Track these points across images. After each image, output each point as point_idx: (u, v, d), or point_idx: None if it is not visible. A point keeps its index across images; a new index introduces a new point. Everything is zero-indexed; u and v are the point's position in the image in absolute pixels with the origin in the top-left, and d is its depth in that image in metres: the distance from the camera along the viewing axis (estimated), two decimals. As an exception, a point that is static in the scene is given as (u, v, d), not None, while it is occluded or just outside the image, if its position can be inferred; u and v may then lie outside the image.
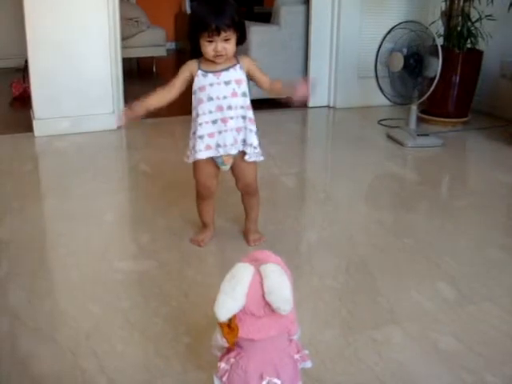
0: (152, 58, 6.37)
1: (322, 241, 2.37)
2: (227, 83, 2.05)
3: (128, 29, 5.78)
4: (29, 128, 3.76)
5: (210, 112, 2.07)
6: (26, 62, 3.76)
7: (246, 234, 2.33)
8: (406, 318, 1.83)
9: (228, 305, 1.24)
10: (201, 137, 2.08)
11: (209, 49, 2.00)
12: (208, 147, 2.09)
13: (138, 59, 6.61)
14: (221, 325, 1.27)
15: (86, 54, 3.75)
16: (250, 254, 1.35)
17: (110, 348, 1.66)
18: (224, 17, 1.97)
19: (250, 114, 2.12)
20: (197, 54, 2.07)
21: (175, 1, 7.31)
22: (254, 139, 2.13)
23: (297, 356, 1.36)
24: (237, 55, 2.08)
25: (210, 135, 2.09)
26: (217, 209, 2.36)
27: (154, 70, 6.48)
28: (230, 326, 1.26)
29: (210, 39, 1.97)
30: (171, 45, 7.11)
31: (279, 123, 4.26)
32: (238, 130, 2.10)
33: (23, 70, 4.60)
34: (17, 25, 4.41)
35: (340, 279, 2.06)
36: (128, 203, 2.86)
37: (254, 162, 2.19)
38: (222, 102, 2.06)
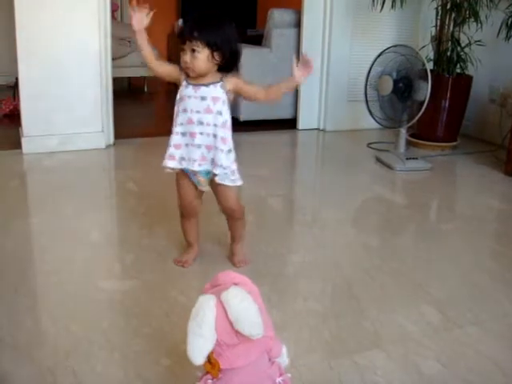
0: (143, 77, 6.39)
1: (307, 263, 2.36)
2: (203, 98, 2.02)
3: (120, 48, 5.80)
4: (17, 145, 3.74)
5: (181, 124, 2.05)
6: (17, 79, 3.76)
7: (231, 256, 2.32)
8: (390, 341, 1.81)
9: (200, 346, 1.21)
10: (170, 146, 2.08)
11: (181, 58, 1.99)
12: (171, 157, 2.08)
13: (130, 79, 6.63)
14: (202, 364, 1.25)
15: (76, 73, 3.75)
16: (213, 278, 1.33)
17: (90, 368, 1.63)
18: (198, 27, 1.95)
19: (223, 133, 2.04)
20: None
21: (168, 21, 7.33)
22: (224, 160, 2.05)
23: (279, 379, 1.34)
24: (224, 74, 2.04)
25: (177, 146, 2.07)
26: (202, 229, 2.35)
27: (146, 89, 6.50)
28: (210, 361, 1.24)
29: (182, 46, 1.97)
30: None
31: (268, 145, 4.27)
32: (209, 147, 2.05)
33: (14, 88, 4.60)
34: (8, 42, 4.41)
35: (325, 302, 2.05)
36: (114, 222, 2.84)
37: (232, 187, 2.13)
38: (194, 116, 2.02)
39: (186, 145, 2.06)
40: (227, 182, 2.09)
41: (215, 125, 2.03)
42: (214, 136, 2.04)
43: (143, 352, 1.70)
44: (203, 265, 2.28)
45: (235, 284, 1.29)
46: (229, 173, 2.08)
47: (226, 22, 2.03)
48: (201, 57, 1.96)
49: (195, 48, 1.95)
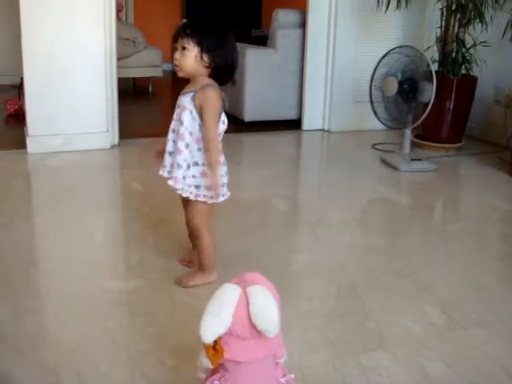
0: (148, 78, 6.40)
1: (311, 264, 2.35)
2: (178, 106, 1.99)
3: (125, 49, 5.81)
4: (22, 145, 3.75)
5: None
6: (22, 79, 3.76)
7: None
8: (394, 342, 1.81)
9: (213, 326, 1.22)
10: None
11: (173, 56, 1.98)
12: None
13: (135, 79, 6.64)
14: (206, 346, 1.25)
15: (81, 73, 3.76)
16: (240, 276, 1.33)
17: (94, 368, 1.63)
18: (192, 26, 1.94)
19: (180, 144, 1.96)
20: None
21: (172, 22, 7.33)
22: (177, 172, 1.97)
23: (283, 380, 1.34)
24: (208, 85, 1.95)
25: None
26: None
27: (150, 90, 6.50)
28: (215, 347, 1.25)
29: (174, 44, 1.95)
30: (168, 66, 7.12)
31: (273, 146, 4.26)
32: (171, 153, 2.01)
33: (19, 88, 4.61)
34: (13, 42, 4.41)
35: (329, 303, 2.04)
36: (118, 222, 2.84)
37: (196, 201, 2.01)
38: (172, 123, 2.01)
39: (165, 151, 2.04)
40: (185, 194, 2.01)
41: (178, 133, 1.98)
42: (174, 142, 2.00)
43: (148, 352, 1.70)
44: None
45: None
46: (185, 186, 1.99)
47: (226, 31, 1.99)
48: (189, 55, 1.92)
49: (186, 45, 1.92)
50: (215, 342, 1.24)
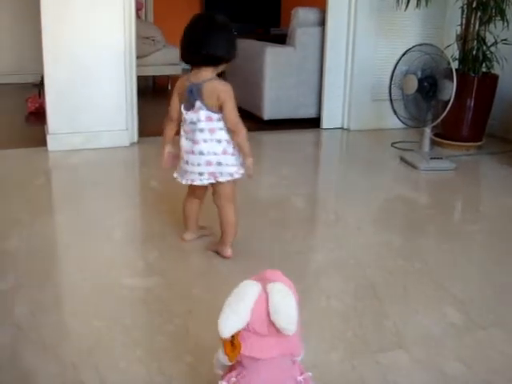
0: (167, 76, 6.41)
1: (330, 262, 2.35)
2: None
3: (144, 47, 5.83)
4: (43, 142, 3.78)
5: None
6: (42, 77, 3.80)
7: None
8: (412, 342, 1.80)
9: (232, 320, 1.22)
10: None
11: None
12: None
13: (154, 77, 6.66)
14: (224, 341, 1.26)
15: (101, 71, 3.78)
16: (260, 273, 1.34)
17: (113, 364, 1.65)
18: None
19: None
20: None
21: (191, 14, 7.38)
22: None
23: (300, 378, 1.34)
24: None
25: None
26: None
27: (170, 88, 6.52)
28: (233, 343, 1.25)
29: None
30: (186, 64, 7.14)
31: (292, 144, 4.26)
32: None
33: (39, 86, 4.65)
34: (34, 41, 4.45)
35: (347, 301, 2.04)
36: (137, 220, 2.86)
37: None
38: None
39: None
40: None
41: None
42: None
43: (166, 349, 1.71)
44: (228, 262, 2.29)
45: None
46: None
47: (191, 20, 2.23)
48: None
49: None
50: (233, 337, 1.25)
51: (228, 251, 2.29)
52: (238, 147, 2.17)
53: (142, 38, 5.54)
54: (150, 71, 6.18)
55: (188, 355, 1.68)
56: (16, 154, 3.73)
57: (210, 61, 2.15)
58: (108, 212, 2.81)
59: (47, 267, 2.25)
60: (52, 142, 3.75)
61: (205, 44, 2.11)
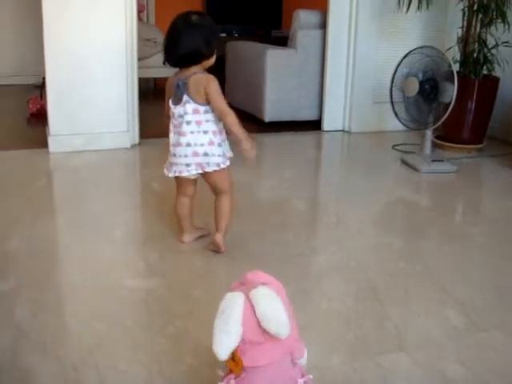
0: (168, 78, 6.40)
1: (331, 265, 2.35)
2: None
3: (146, 49, 5.83)
4: (44, 144, 3.78)
5: None
6: (44, 79, 3.80)
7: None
8: (413, 344, 1.80)
9: (225, 343, 1.22)
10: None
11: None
12: None
13: (155, 79, 6.66)
14: (225, 361, 1.25)
15: (102, 73, 3.78)
16: (242, 277, 1.33)
17: (113, 365, 1.64)
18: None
19: None
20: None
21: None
22: None
23: (301, 381, 1.34)
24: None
25: None
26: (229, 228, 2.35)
27: (171, 90, 6.51)
28: (234, 359, 1.25)
29: None
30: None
31: (293, 146, 4.26)
32: None
33: (41, 87, 4.65)
34: (36, 42, 4.46)
35: (348, 304, 2.04)
36: (138, 221, 2.86)
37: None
38: None
39: None
40: None
41: None
42: None
43: (166, 350, 1.71)
44: (228, 264, 2.29)
45: (263, 284, 1.29)
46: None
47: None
48: None
49: None
50: (233, 353, 1.24)
51: (218, 237, 2.30)
52: (232, 133, 2.19)
53: (143, 40, 5.54)
54: (152, 73, 6.17)
55: (189, 357, 1.68)
56: (17, 155, 3.73)
57: (190, 60, 2.18)
58: (109, 213, 2.81)
59: (48, 268, 2.25)
60: (53, 144, 3.75)
61: (180, 44, 2.15)
